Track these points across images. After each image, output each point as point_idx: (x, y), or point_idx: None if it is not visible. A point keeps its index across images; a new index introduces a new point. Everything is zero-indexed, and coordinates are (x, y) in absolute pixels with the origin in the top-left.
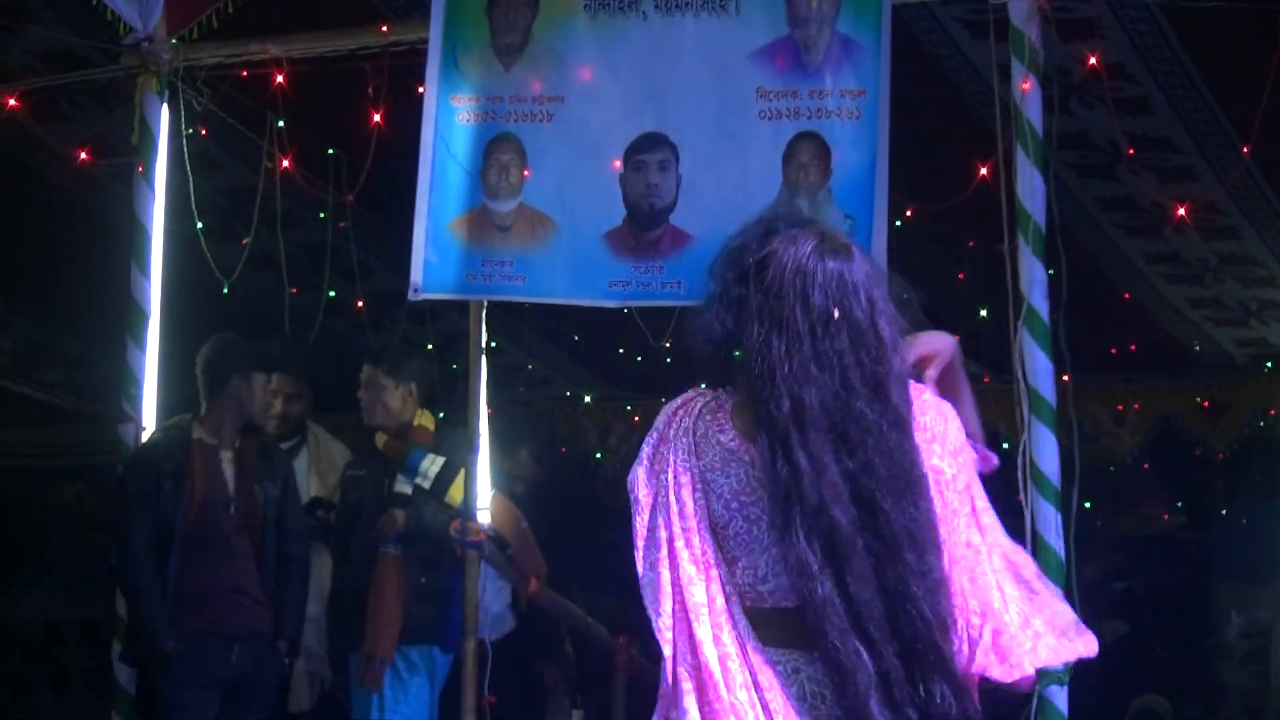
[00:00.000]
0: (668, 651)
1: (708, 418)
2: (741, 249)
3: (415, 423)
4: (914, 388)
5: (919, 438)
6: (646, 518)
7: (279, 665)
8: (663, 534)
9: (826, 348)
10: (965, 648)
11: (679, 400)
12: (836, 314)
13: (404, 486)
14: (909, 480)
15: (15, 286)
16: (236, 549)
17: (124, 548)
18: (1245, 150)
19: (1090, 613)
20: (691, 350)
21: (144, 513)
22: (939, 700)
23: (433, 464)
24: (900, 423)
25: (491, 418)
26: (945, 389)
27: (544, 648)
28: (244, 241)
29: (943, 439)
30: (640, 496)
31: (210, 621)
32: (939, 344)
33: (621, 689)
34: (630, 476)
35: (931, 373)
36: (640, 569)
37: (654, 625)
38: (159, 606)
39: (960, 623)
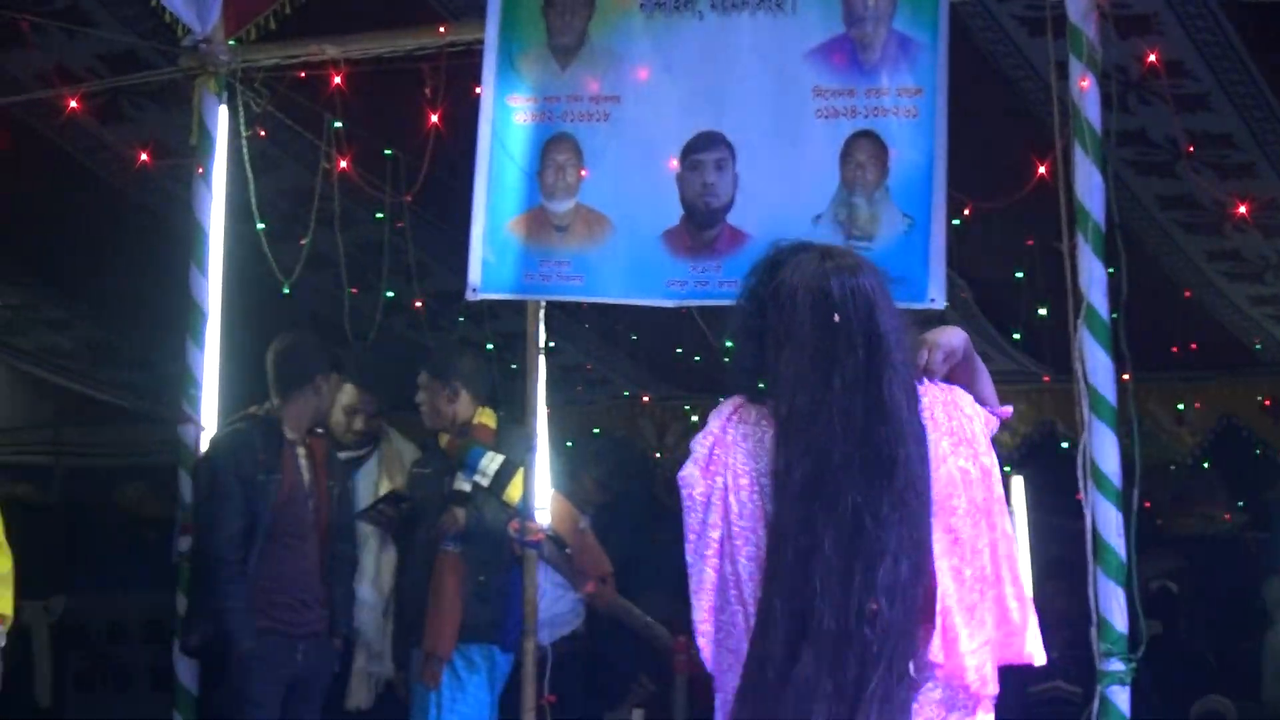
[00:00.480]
0: (702, 642)
1: (764, 424)
2: (756, 284)
3: (476, 421)
4: (921, 388)
5: (933, 435)
6: (701, 515)
7: (333, 662)
8: (715, 532)
9: (843, 360)
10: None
11: (731, 405)
12: (851, 326)
13: (463, 484)
14: (922, 498)
15: (77, 287)
16: (309, 547)
17: (212, 538)
18: None
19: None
20: (728, 382)
21: (237, 502)
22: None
23: (492, 461)
24: (918, 437)
25: (551, 418)
26: (962, 378)
27: (607, 647)
28: (302, 242)
29: (971, 441)
30: (695, 494)
31: (284, 620)
32: (954, 340)
33: (682, 688)
34: (683, 474)
35: (942, 367)
36: (689, 561)
37: (694, 615)
38: (243, 600)
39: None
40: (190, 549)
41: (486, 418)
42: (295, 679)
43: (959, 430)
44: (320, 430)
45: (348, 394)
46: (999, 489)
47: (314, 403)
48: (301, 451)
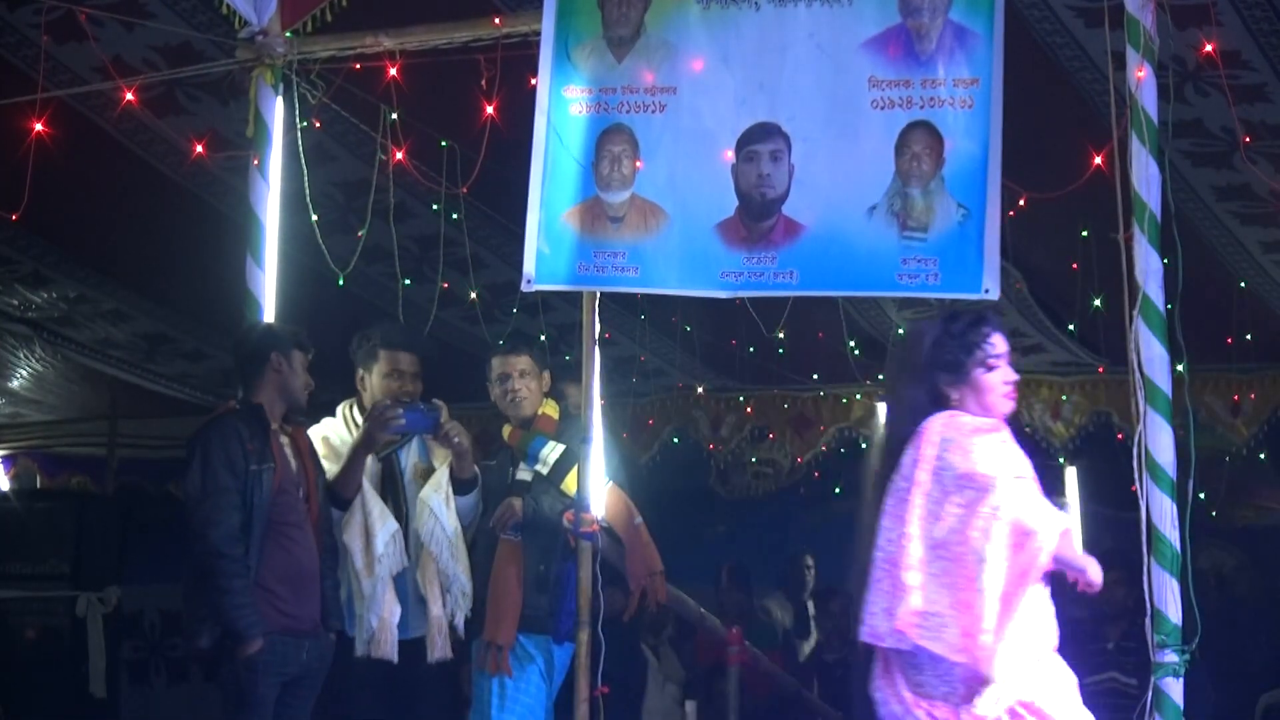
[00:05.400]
0: None
1: None
2: None
3: (540, 411)
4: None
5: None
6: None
7: (329, 657)
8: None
9: None
10: None
11: None
12: None
13: (524, 474)
14: None
15: (133, 279)
16: (306, 538)
17: (212, 534)
18: None
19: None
20: None
21: (234, 495)
22: None
23: (553, 451)
24: None
25: (605, 410)
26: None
27: (646, 632)
28: (358, 234)
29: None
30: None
31: (289, 615)
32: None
33: (735, 680)
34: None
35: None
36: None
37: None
38: (249, 596)
39: None
40: (192, 547)
41: (550, 409)
42: (293, 677)
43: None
44: (300, 419)
45: (384, 360)
46: None
47: (277, 382)
48: (285, 440)
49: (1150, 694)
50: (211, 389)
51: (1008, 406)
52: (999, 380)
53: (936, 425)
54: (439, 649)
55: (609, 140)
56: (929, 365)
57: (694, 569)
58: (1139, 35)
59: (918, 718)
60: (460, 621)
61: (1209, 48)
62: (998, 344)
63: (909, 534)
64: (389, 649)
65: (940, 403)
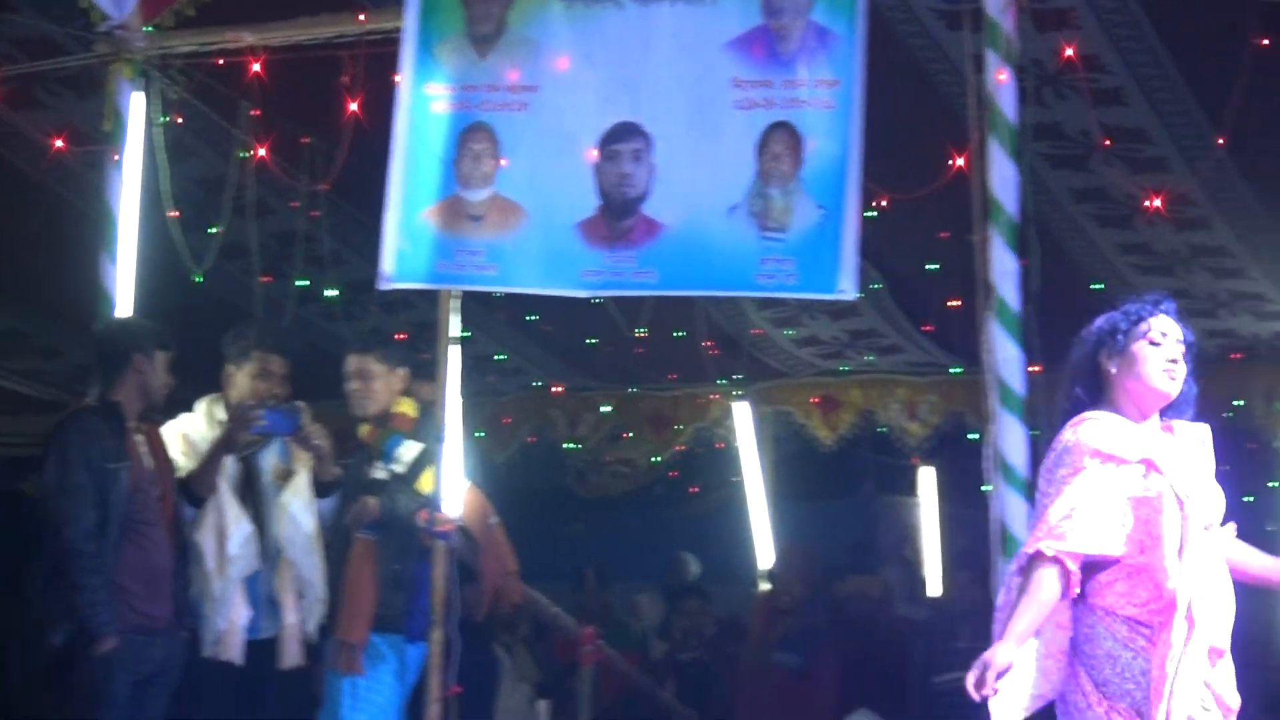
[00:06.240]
0: None
1: None
2: None
3: (398, 410)
4: None
5: None
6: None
7: (184, 657)
8: None
9: None
10: None
11: None
12: None
13: (380, 472)
14: None
15: None
16: (161, 537)
17: (68, 531)
18: (1220, 142)
19: None
20: None
21: (91, 492)
22: None
23: (409, 450)
24: None
25: (464, 408)
26: None
27: (500, 631)
28: (217, 230)
29: None
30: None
31: (142, 614)
32: None
33: (588, 678)
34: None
35: None
36: None
37: None
38: (104, 594)
39: None
40: (47, 543)
41: (407, 407)
42: (147, 676)
43: None
44: (155, 418)
45: (255, 361)
46: None
47: (138, 382)
48: (140, 439)
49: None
50: (66, 386)
51: (1166, 384)
52: (1158, 355)
53: (1066, 433)
54: (292, 656)
55: (470, 138)
56: (1095, 341)
57: (550, 568)
58: (999, 38)
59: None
60: (314, 628)
61: (1069, 51)
62: (1163, 323)
63: None
64: (235, 652)
65: (1096, 377)
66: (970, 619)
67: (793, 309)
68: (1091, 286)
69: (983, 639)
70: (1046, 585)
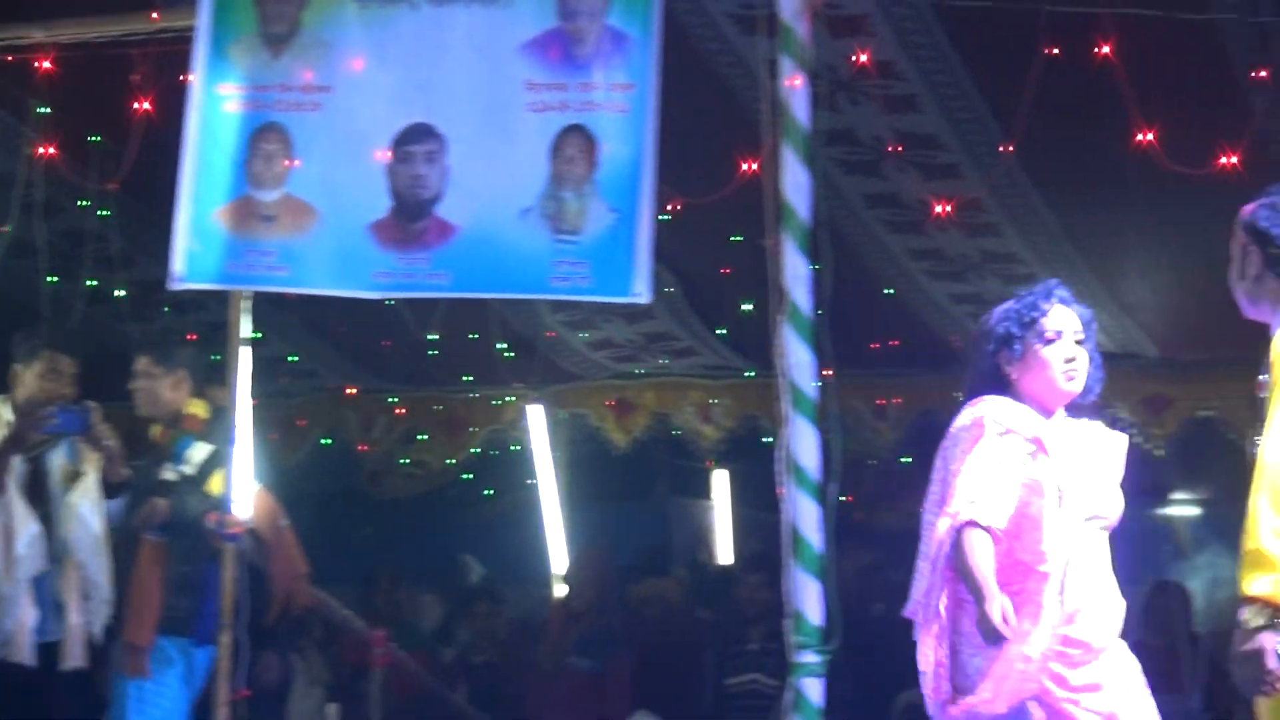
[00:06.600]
0: None
1: None
2: None
3: (187, 411)
4: None
5: None
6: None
7: None
8: None
9: None
10: None
11: None
12: None
13: (170, 474)
14: None
15: None
16: None
17: None
18: (1009, 149)
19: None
20: None
21: None
22: None
23: (199, 451)
24: None
25: (255, 409)
26: None
27: (294, 638)
28: (3, 229)
29: None
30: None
31: None
32: None
33: (378, 682)
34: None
35: None
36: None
37: None
38: None
39: None
40: None
41: (198, 408)
42: None
43: None
44: None
45: (44, 360)
46: None
47: None
48: None
49: (790, 694)
50: None
51: (1066, 385)
52: (1056, 356)
53: (962, 414)
54: (75, 657)
55: (262, 138)
56: (991, 340)
57: (341, 571)
58: (793, 44)
59: None
60: (100, 629)
61: (863, 58)
62: (1059, 318)
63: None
64: (25, 653)
65: (998, 380)
66: (761, 621)
67: (587, 312)
68: (884, 291)
69: (774, 640)
70: (984, 545)
